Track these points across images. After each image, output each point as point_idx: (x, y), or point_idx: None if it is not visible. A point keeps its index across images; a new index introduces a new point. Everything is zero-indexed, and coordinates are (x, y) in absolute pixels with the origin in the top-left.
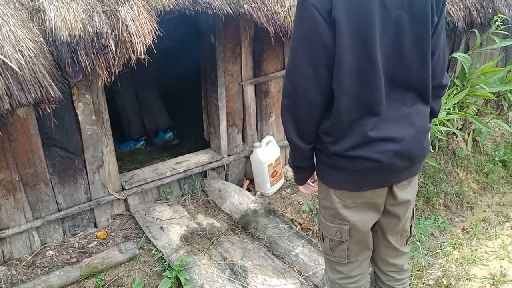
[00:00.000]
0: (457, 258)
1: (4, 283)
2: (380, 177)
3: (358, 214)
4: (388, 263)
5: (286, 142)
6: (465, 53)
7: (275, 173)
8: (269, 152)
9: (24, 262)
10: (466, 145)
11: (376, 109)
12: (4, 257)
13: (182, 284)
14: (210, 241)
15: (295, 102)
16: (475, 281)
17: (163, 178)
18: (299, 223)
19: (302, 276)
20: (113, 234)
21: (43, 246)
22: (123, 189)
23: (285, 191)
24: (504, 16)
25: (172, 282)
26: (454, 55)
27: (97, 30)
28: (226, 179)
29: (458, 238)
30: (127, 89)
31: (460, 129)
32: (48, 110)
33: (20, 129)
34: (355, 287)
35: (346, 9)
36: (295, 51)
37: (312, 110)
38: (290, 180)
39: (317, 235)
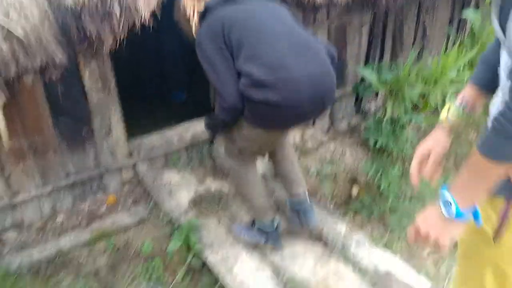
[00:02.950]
0: None
1: (16, 247)
2: None
3: None
4: None
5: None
6: (476, 9)
7: None
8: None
9: (35, 227)
10: None
11: None
12: (15, 223)
13: (191, 245)
14: (218, 204)
15: None
16: None
17: (171, 144)
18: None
19: (310, 234)
20: (122, 199)
21: (53, 212)
22: (131, 155)
23: None
24: None
25: (181, 243)
26: (463, 15)
27: None
28: None
29: None
30: None
31: None
32: (54, 77)
33: (28, 98)
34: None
35: None
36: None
37: None
38: (297, 145)
39: (317, 192)
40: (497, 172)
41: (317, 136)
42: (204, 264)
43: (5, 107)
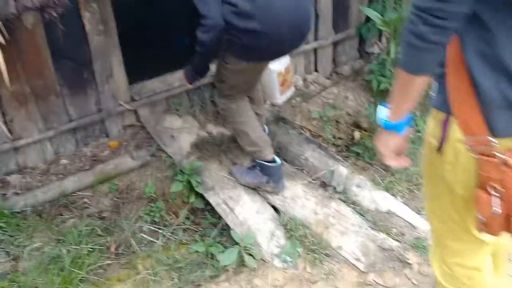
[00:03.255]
0: None
1: (20, 189)
2: None
3: None
4: None
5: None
6: None
7: (285, 81)
8: (279, 60)
9: (39, 170)
10: None
11: None
12: (19, 166)
13: (194, 186)
14: (220, 148)
15: None
16: None
17: (172, 89)
18: (309, 130)
19: (310, 176)
20: (125, 143)
21: (56, 156)
22: (132, 100)
23: (295, 100)
24: None
25: (183, 185)
26: None
27: None
28: None
29: None
30: None
31: None
32: (55, 15)
33: (28, 40)
34: None
35: None
36: None
37: None
38: (300, 89)
39: (319, 136)
40: (418, 84)
41: (320, 80)
42: (206, 206)
43: (5, 49)
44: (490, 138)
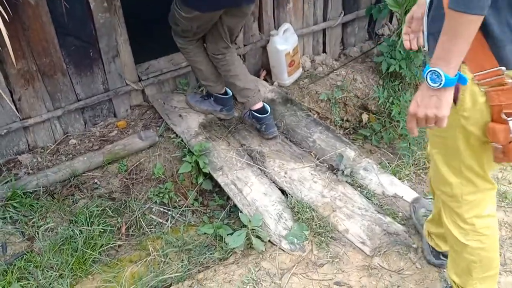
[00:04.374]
0: None
1: (31, 169)
2: None
3: None
4: None
5: (304, 30)
6: None
7: (293, 62)
8: (287, 40)
9: (49, 150)
10: None
11: None
12: (29, 146)
13: (201, 167)
14: (228, 129)
15: None
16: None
17: (179, 68)
18: (317, 112)
19: (318, 159)
20: (132, 123)
21: (65, 135)
22: (140, 79)
23: (302, 81)
24: None
25: (192, 166)
26: None
27: None
28: None
29: None
30: None
31: None
32: None
33: (32, 17)
34: None
35: None
36: None
37: None
38: (308, 70)
39: (326, 118)
40: (472, 27)
41: (328, 62)
42: (214, 188)
43: (9, 26)
44: (501, 67)
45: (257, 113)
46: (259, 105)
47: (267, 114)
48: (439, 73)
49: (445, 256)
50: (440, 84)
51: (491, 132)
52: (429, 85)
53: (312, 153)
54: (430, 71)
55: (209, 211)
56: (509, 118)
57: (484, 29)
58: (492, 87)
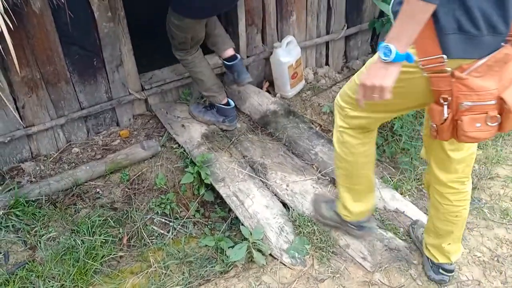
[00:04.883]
0: (481, 158)
1: (33, 177)
2: None
3: None
4: None
5: (307, 43)
6: None
7: (296, 74)
8: (290, 52)
9: (51, 158)
10: None
11: None
12: (32, 154)
13: (203, 178)
14: (230, 140)
15: None
16: (498, 180)
17: (182, 79)
18: (319, 124)
19: (320, 172)
20: (135, 132)
21: (68, 144)
22: (143, 89)
23: (305, 93)
24: None
25: (194, 177)
26: None
27: None
28: None
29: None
30: None
31: None
32: (62, 0)
33: (37, 26)
34: None
35: None
36: None
37: None
38: (310, 82)
39: (328, 131)
40: (424, 14)
41: (331, 74)
42: (215, 199)
43: (14, 35)
44: (443, 55)
45: (227, 61)
46: (230, 52)
47: (236, 60)
48: (390, 49)
49: (445, 270)
50: (390, 58)
51: (430, 112)
52: (381, 58)
53: (314, 166)
54: (384, 46)
55: (210, 222)
56: (445, 102)
57: (434, 16)
58: (434, 73)
